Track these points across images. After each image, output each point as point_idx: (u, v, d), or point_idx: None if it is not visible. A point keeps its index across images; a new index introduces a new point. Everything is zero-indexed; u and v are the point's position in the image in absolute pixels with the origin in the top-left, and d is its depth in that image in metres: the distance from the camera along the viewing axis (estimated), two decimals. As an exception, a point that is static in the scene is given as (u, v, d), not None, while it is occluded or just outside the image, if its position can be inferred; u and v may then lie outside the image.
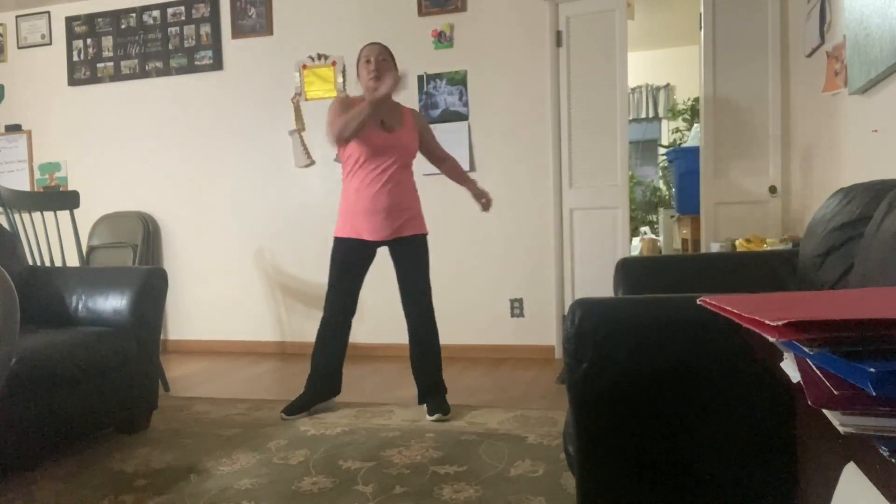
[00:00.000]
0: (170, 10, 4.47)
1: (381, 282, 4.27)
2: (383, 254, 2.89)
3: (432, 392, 2.86)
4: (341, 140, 2.69)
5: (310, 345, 4.31)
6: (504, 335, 4.03)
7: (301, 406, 2.85)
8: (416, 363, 2.90)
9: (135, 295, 2.62)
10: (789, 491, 1.10)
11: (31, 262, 3.05)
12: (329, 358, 2.89)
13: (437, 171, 4.10)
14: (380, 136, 2.74)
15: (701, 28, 3.74)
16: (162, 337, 3.64)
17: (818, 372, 0.61)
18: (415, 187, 2.89)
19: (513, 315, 4.02)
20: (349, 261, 2.81)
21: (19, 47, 4.79)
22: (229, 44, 4.40)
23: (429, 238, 2.92)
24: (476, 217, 4.05)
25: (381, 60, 2.76)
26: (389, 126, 2.78)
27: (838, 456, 0.77)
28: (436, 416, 2.74)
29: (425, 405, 2.86)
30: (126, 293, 2.62)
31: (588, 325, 1.16)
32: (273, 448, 2.44)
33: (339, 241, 2.82)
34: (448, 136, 4.04)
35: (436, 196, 4.06)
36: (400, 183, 2.77)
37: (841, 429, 0.59)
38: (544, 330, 3.98)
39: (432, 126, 4.01)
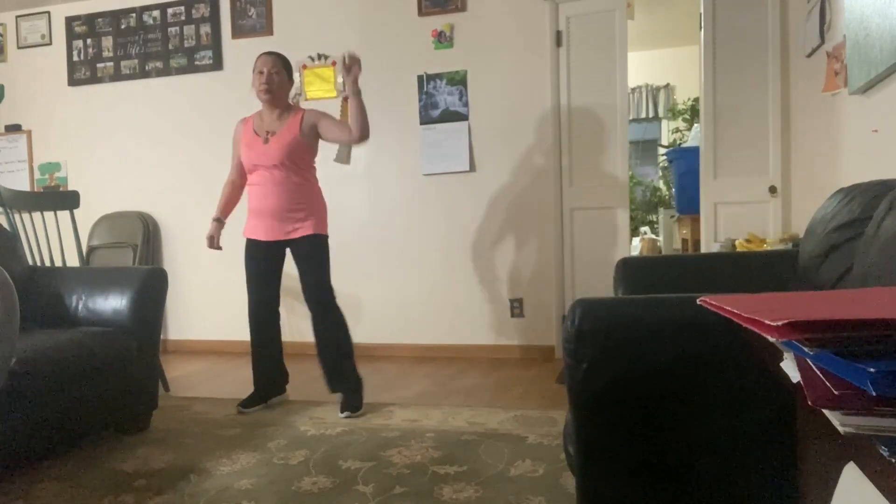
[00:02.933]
0: (170, 10, 4.47)
1: (379, 283, 4.27)
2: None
3: (342, 386, 2.93)
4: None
5: (309, 345, 4.31)
6: (504, 335, 4.03)
7: (253, 401, 3.00)
8: (318, 355, 2.98)
9: (135, 295, 2.62)
10: (789, 491, 1.10)
11: (31, 262, 3.05)
12: (260, 352, 3.04)
13: (437, 171, 4.12)
14: (255, 147, 2.89)
15: (701, 28, 3.74)
16: (162, 337, 3.63)
17: (818, 372, 0.61)
18: (311, 189, 2.94)
19: (513, 315, 4.02)
20: (252, 259, 2.99)
21: (19, 47, 4.79)
22: (229, 44, 4.40)
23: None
24: (476, 217, 4.05)
25: (272, 72, 2.87)
26: (268, 136, 2.88)
27: (838, 456, 0.77)
28: (345, 414, 2.81)
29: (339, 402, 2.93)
30: (126, 293, 2.62)
31: (588, 325, 1.16)
32: (273, 448, 2.44)
33: (245, 242, 3.02)
34: (448, 136, 4.04)
35: (436, 196, 4.06)
36: (285, 186, 2.86)
37: (841, 429, 0.59)
38: (544, 330, 3.98)
39: (432, 126, 4.05)
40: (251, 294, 2.99)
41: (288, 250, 2.98)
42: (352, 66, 2.78)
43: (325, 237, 2.95)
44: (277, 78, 2.88)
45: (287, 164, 2.84)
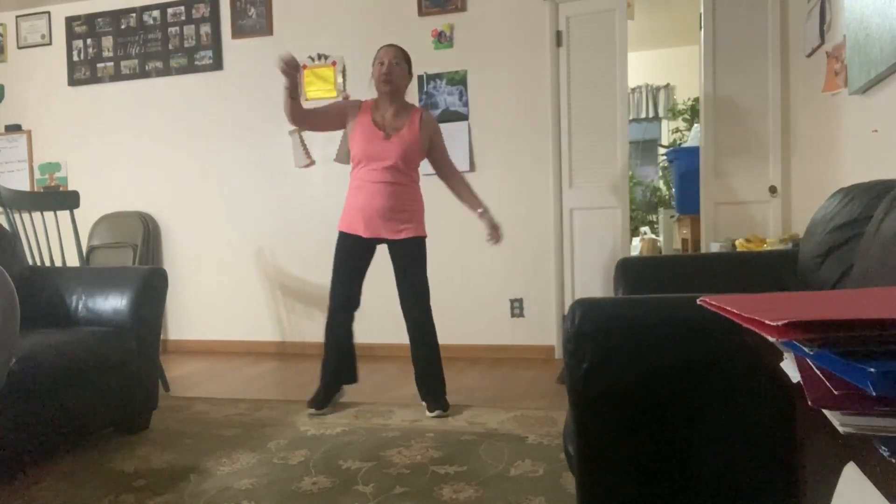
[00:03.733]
0: (170, 10, 4.47)
1: (380, 282, 4.26)
2: (383, 255, 2.90)
3: (431, 390, 2.90)
4: (293, 124, 2.87)
5: (310, 344, 4.32)
6: (504, 335, 4.03)
7: (324, 399, 2.91)
8: (415, 361, 2.95)
9: (135, 295, 2.61)
10: (789, 491, 1.10)
11: (31, 262, 3.05)
12: (337, 346, 2.95)
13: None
14: (375, 141, 2.81)
15: (701, 28, 3.74)
16: (162, 337, 3.63)
17: (818, 372, 0.61)
18: (415, 191, 2.92)
19: (513, 315, 4.02)
20: (348, 253, 2.89)
21: (19, 47, 4.79)
22: (229, 44, 4.40)
23: (429, 238, 2.94)
24: (476, 217, 4.04)
25: (394, 63, 2.81)
26: (388, 131, 2.83)
27: (838, 456, 0.77)
28: (436, 413, 2.78)
29: (424, 402, 2.89)
30: (126, 293, 2.62)
31: (588, 325, 1.16)
32: (273, 448, 2.44)
33: (340, 235, 2.92)
34: (448, 136, 4.03)
35: (436, 196, 4.05)
36: (396, 185, 2.82)
37: (841, 429, 0.59)
38: (544, 330, 3.98)
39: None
40: (340, 289, 2.90)
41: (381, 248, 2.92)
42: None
43: (425, 239, 2.93)
44: (398, 69, 2.81)
45: (402, 165, 2.82)
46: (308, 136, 4.27)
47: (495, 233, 2.93)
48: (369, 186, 2.82)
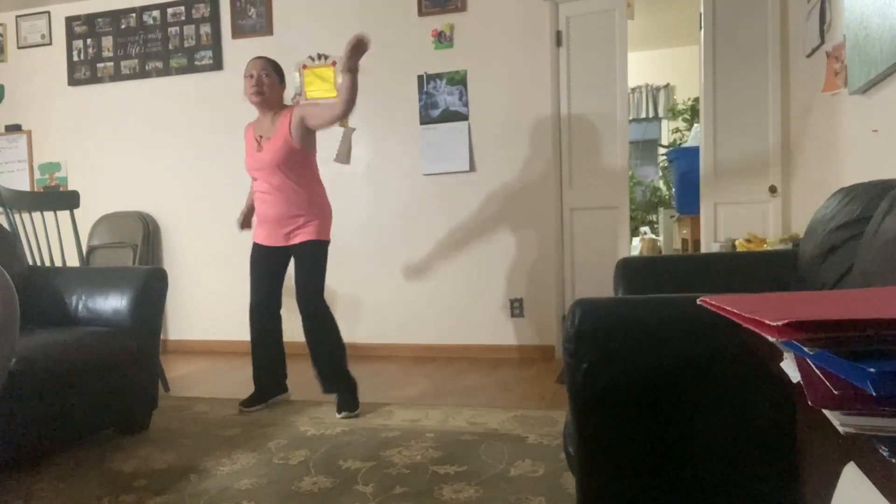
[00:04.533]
0: (170, 10, 4.47)
1: (379, 283, 4.27)
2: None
3: (337, 388, 2.92)
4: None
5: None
6: (504, 335, 4.03)
7: (254, 400, 3.01)
8: (312, 358, 2.98)
9: (135, 295, 2.62)
10: (789, 491, 1.10)
11: (31, 262, 3.05)
12: (259, 354, 3.05)
13: (437, 171, 4.11)
14: (252, 156, 2.91)
15: (701, 28, 3.74)
16: (162, 337, 3.63)
17: (818, 372, 0.61)
18: (310, 194, 2.90)
19: (513, 315, 4.02)
20: (255, 262, 3.01)
21: (19, 47, 4.79)
22: (229, 44, 4.40)
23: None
24: (476, 217, 4.05)
25: (263, 75, 2.86)
26: (261, 143, 2.89)
27: (838, 456, 0.77)
28: (343, 415, 2.82)
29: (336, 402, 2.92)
30: (126, 293, 2.62)
31: (588, 325, 1.16)
32: (273, 448, 2.44)
33: (252, 245, 3.05)
34: (448, 136, 4.04)
35: (436, 196, 4.06)
36: (282, 193, 2.86)
37: (841, 429, 0.59)
38: (544, 330, 3.98)
39: (432, 126, 4.05)
40: (252, 296, 3.02)
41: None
42: (359, 46, 2.60)
43: (324, 243, 2.93)
44: (268, 80, 2.85)
45: (282, 169, 2.83)
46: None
47: (355, 45, 2.63)
48: (259, 197, 2.92)
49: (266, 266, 2.99)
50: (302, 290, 2.90)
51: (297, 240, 2.90)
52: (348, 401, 2.88)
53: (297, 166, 2.86)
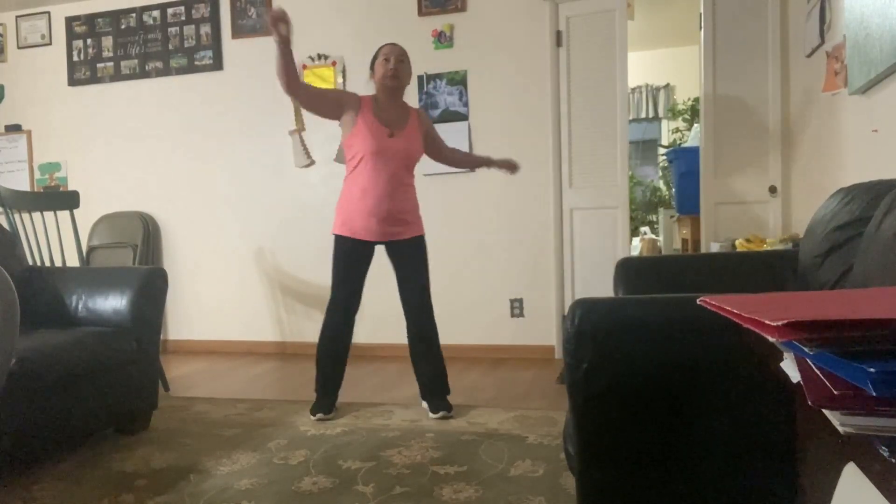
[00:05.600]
0: (170, 10, 4.47)
1: (380, 282, 4.26)
2: (377, 257, 2.88)
3: (435, 390, 2.87)
4: (287, 92, 2.66)
5: (310, 344, 4.30)
6: (504, 335, 4.03)
7: (328, 405, 2.84)
8: (417, 360, 2.91)
9: (135, 295, 2.61)
10: (789, 491, 1.10)
11: (31, 262, 3.05)
12: (337, 353, 2.88)
13: (437, 170, 4.10)
14: (382, 140, 2.73)
15: (701, 28, 3.74)
16: (162, 337, 3.64)
17: (818, 372, 0.61)
18: (415, 191, 2.90)
19: (513, 315, 4.02)
20: (350, 259, 2.81)
21: (19, 47, 4.79)
22: (229, 44, 4.40)
23: (429, 238, 2.94)
24: (476, 217, 4.05)
25: (399, 61, 2.78)
26: (393, 129, 2.78)
27: (838, 456, 0.77)
28: (440, 414, 2.76)
29: (426, 403, 2.86)
30: (126, 293, 2.62)
31: (588, 325, 1.16)
32: (273, 448, 2.44)
33: (338, 239, 2.83)
34: (448, 136, 4.03)
35: (436, 196, 4.06)
36: (401, 186, 2.79)
37: (841, 429, 0.59)
38: (544, 330, 3.98)
39: (432, 126, 4.05)
40: (341, 294, 2.83)
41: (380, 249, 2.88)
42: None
43: (425, 237, 2.92)
44: (403, 66, 2.79)
45: (407, 164, 2.80)
46: (308, 135, 4.27)
47: (510, 165, 3.05)
48: (376, 188, 2.73)
49: (361, 264, 2.84)
50: (416, 287, 2.85)
51: (406, 234, 2.82)
52: (445, 400, 2.85)
53: (415, 164, 2.88)
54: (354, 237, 2.78)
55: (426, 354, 2.89)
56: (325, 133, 4.13)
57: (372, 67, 2.86)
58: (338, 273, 2.83)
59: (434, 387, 2.87)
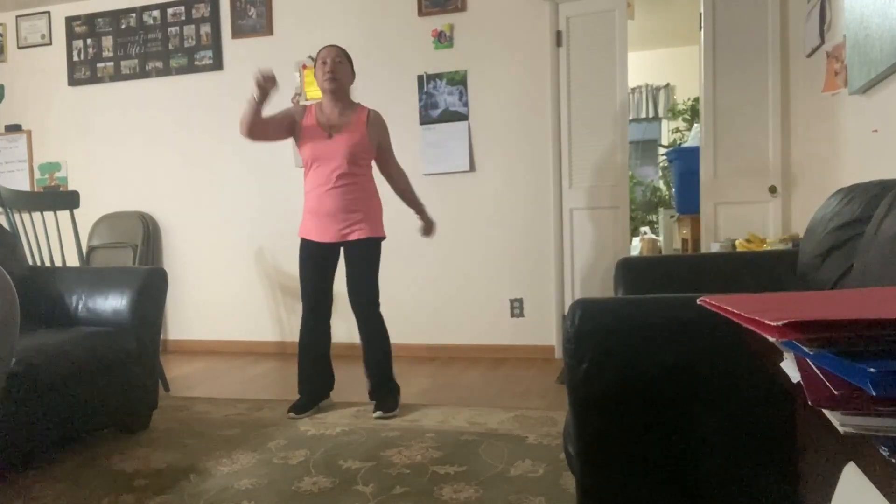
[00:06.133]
0: (170, 10, 4.47)
1: (380, 282, 4.26)
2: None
3: (380, 390, 2.90)
4: (247, 137, 2.76)
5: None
6: (504, 335, 4.03)
7: (303, 406, 2.89)
8: (365, 359, 2.94)
9: (135, 295, 2.62)
10: (789, 491, 1.10)
11: (31, 262, 3.05)
12: (311, 358, 2.94)
13: (437, 171, 4.12)
14: (321, 142, 2.80)
15: (701, 28, 3.74)
16: (162, 337, 3.64)
17: (818, 372, 0.61)
18: (368, 190, 2.89)
19: (513, 315, 4.02)
20: (309, 259, 2.89)
21: (19, 47, 4.79)
22: (229, 44, 4.40)
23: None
24: (476, 217, 4.05)
25: (337, 62, 2.81)
26: (333, 130, 2.82)
27: (838, 456, 0.77)
28: (377, 414, 2.79)
29: (374, 402, 2.90)
30: (126, 293, 2.62)
31: (588, 325, 1.16)
32: (273, 448, 2.44)
33: (301, 241, 2.92)
34: (448, 136, 4.05)
35: (436, 196, 4.06)
36: (345, 186, 2.81)
37: (841, 429, 0.59)
38: (544, 330, 3.98)
39: (432, 126, 4.05)
40: (306, 296, 2.89)
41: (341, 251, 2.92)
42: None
43: (380, 240, 2.91)
44: (342, 67, 2.81)
45: (349, 164, 2.79)
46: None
47: (429, 230, 3.06)
48: (319, 189, 2.82)
49: (322, 263, 2.88)
50: (359, 289, 2.86)
51: (353, 236, 2.83)
52: (389, 401, 2.85)
53: (363, 162, 2.86)
54: (309, 239, 2.87)
55: (370, 356, 2.92)
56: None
57: (315, 72, 2.89)
58: (301, 276, 2.91)
59: (377, 388, 2.91)
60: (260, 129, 2.76)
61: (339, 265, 2.93)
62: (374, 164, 2.96)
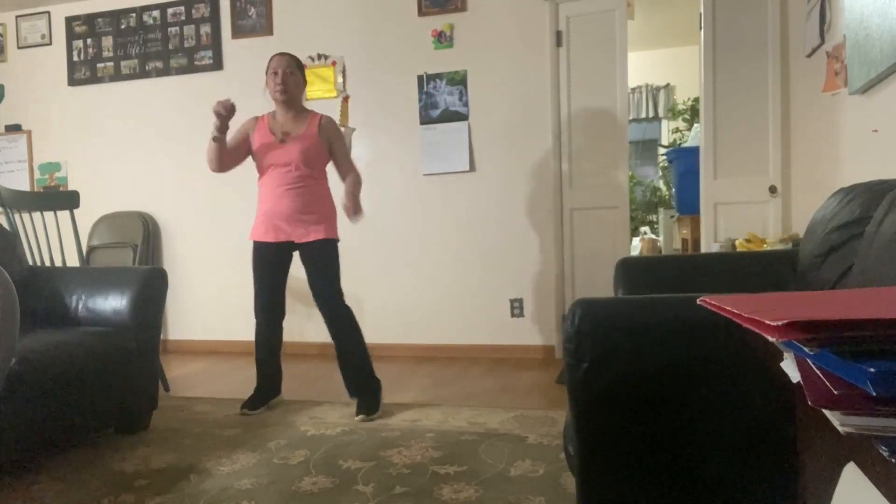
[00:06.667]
0: (170, 10, 4.47)
1: (379, 283, 4.27)
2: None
3: (360, 390, 2.89)
4: (219, 172, 2.92)
5: (310, 344, 4.32)
6: (504, 335, 4.03)
7: (256, 402, 2.95)
8: (338, 360, 2.95)
9: (135, 295, 2.62)
10: (789, 491, 1.10)
11: (31, 262, 3.05)
12: (262, 358, 2.99)
13: (437, 171, 4.12)
14: (272, 148, 2.85)
15: (701, 28, 3.74)
16: (162, 337, 3.64)
17: (818, 372, 0.61)
18: (323, 193, 2.92)
19: (513, 315, 4.02)
20: (260, 263, 2.93)
21: (19, 47, 4.79)
22: (229, 44, 4.40)
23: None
24: (476, 217, 4.05)
25: (287, 73, 2.84)
26: (285, 136, 2.85)
27: (838, 456, 0.77)
28: (360, 417, 2.78)
29: (355, 403, 2.89)
30: (126, 293, 2.62)
31: (588, 325, 1.16)
32: (273, 448, 2.44)
33: (253, 244, 2.96)
34: (448, 136, 4.05)
35: (436, 196, 4.06)
36: (299, 188, 2.84)
37: (841, 429, 0.59)
38: (544, 330, 3.98)
39: (432, 126, 4.05)
40: (260, 297, 2.95)
41: (295, 253, 2.95)
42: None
43: (336, 241, 2.93)
44: (293, 78, 2.86)
45: (302, 167, 2.83)
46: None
47: (350, 209, 2.85)
48: (272, 191, 2.85)
49: (275, 265, 2.93)
50: (321, 291, 2.88)
51: (309, 238, 2.86)
52: (369, 402, 2.84)
53: (317, 165, 2.89)
54: (259, 240, 2.91)
55: (343, 356, 2.92)
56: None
57: (266, 80, 2.92)
58: (254, 277, 2.96)
59: (355, 389, 2.91)
60: (229, 160, 2.89)
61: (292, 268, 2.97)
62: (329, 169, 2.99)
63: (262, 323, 2.97)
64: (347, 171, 2.99)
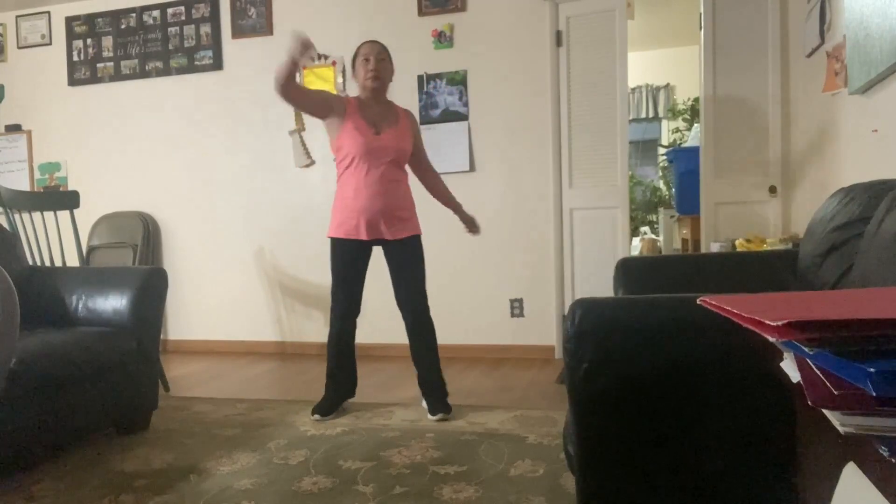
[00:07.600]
0: (170, 10, 4.47)
1: (380, 282, 4.26)
2: (377, 257, 2.88)
3: (432, 390, 2.86)
4: (281, 94, 2.62)
5: (309, 344, 4.31)
6: (504, 335, 4.03)
7: (329, 407, 2.85)
8: (415, 361, 2.91)
9: (135, 295, 2.61)
10: (789, 491, 1.10)
11: (31, 262, 3.05)
12: (343, 356, 2.90)
13: (437, 171, 4.10)
14: (369, 138, 2.73)
15: (701, 28, 3.74)
16: (162, 337, 3.64)
17: (818, 372, 0.61)
18: (408, 188, 2.88)
19: (513, 315, 4.02)
20: (348, 260, 2.81)
21: (19, 47, 4.79)
22: (229, 44, 4.40)
23: (429, 238, 2.93)
24: (476, 217, 4.04)
25: (379, 60, 2.76)
26: (379, 127, 2.77)
27: (838, 456, 0.77)
28: (438, 416, 2.75)
29: (426, 403, 2.86)
30: (126, 293, 2.62)
31: (588, 325, 1.16)
32: (273, 448, 2.44)
33: (334, 242, 2.82)
34: (448, 137, 4.05)
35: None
36: (393, 183, 2.77)
37: (841, 429, 0.59)
38: (544, 330, 3.98)
39: (432, 126, 4.05)
40: (343, 296, 2.83)
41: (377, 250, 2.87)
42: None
43: (421, 237, 2.89)
44: (384, 65, 2.77)
45: (397, 162, 2.77)
46: (308, 135, 4.27)
47: (473, 225, 2.99)
48: (368, 187, 2.72)
49: (361, 263, 2.82)
50: (413, 288, 2.82)
51: (403, 233, 2.79)
52: (445, 402, 2.82)
53: (405, 162, 2.85)
54: (349, 238, 2.77)
55: (423, 356, 2.89)
56: (325, 133, 4.12)
57: (353, 67, 2.83)
58: (337, 276, 2.82)
59: (431, 388, 2.86)
60: (297, 93, 2.67)
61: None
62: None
63: (345, 329, 2.87)
64: (429, 170, 2.97)
